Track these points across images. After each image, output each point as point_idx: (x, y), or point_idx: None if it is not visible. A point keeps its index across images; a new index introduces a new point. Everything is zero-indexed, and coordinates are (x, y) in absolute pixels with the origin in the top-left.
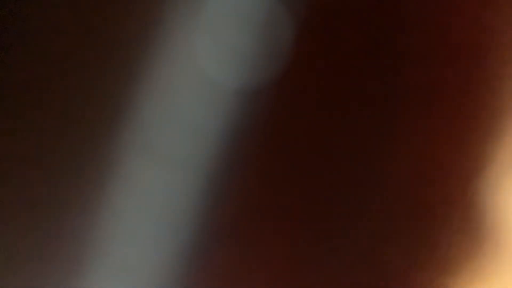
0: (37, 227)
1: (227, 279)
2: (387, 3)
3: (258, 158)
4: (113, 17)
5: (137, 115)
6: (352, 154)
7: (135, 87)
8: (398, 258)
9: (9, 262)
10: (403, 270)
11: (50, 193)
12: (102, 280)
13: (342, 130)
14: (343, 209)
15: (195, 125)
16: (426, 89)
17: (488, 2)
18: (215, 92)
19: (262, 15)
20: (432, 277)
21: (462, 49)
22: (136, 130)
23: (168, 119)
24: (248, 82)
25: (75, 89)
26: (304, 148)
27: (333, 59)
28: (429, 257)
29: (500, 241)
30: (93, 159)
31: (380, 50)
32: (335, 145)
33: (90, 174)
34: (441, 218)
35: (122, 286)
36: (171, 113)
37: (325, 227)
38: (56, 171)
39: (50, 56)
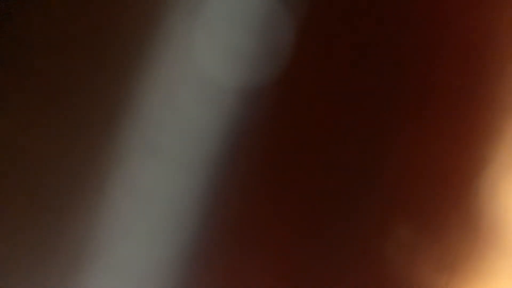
0: (37, 227)
1: (227, 279)
2: (387, 3)
3: (259, 158)
4: (113, 16)
5: (136, 115)
6: (352, 153)
7: (135, 86)
8: (397, 257)
9: (9, 262)
10: (402, 269)
11: (50, 192)
12: (102, 280)
13: (342, 129)
14: (344, 209)
15: (195, 125)
16: (426, 89)
17: (489, 3)
18: (215, 92)
19: (262, 15)
20: (431, 276)
21: (462, 49)
22: (135, 130)
23: (168, 119)
24: (248, 82)
25: (74, 89)
26: (304, 148)
27: (333, 59)
28: (428, 256)
29: (500, 241)
30: (93, 159)
31: (380, 50)
32: (336, 145)
33: (90, 174)
34: (441, 217)
35: (122, 286)
36: (171, 113)
37: (325, 226)
38: (56, 171)
39: (49, 56)
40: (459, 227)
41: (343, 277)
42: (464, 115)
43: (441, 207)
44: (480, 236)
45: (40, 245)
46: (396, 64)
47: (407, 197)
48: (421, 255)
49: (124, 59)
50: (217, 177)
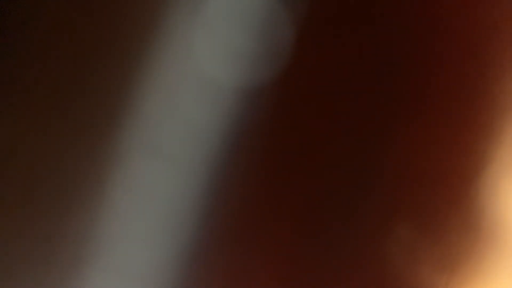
0: (37, 227)
1: (227, 279)
2: (387, 3)
3: (259, 158)
4: (113, 16)
5: (137, 114)
6: (352, 154)
7: (134, 86)
8: (397, 257)
9: (9, 262)
10: (402, 269)
11: (50, 192)
12: (102, 280)
13: (342, 129)
14: (343, 209)
15: (195, 125)
16: (426, 89)
17: (489, 2)
18: (215, 92)
19: (262, 15)
20: (431, 276)
21: (462, 49)
22: (136, 130)
23: (168, 119)
24: (248, 82)
25: (74, 89)
26: (304, 148)
27: (333, 59)
28: (428, 256)
29: (500, 241)
30: (93, 159)
31: (380, 50)
32: (335, 144)
33: (90, 174)
34: (441, 217)
35: (122, 286)
36: (171, 113)
37: (325, 227)
38: (56, 171)
39: (49, 56)
40: (459, 227)
41: (343, 277)
42: (464, 115)
43: (441, 207)
44: (480, 236)
45: (40, 245)
46: (395, 65)
47: (407, 197)
48: (421, 255)
49: (124, 59)
50: (217, 177)
